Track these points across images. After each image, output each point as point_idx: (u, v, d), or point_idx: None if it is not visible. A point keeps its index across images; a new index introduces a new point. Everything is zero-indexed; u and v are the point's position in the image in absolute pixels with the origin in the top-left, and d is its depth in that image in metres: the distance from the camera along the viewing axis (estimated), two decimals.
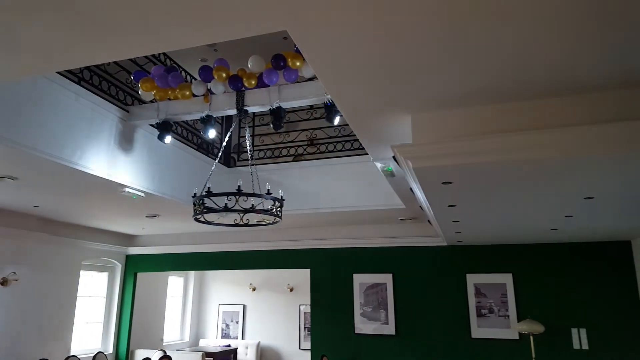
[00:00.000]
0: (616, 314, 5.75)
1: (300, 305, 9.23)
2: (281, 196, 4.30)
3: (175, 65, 5.43)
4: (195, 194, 4.19)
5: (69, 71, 4.16)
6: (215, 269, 8.03)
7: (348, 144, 6.05)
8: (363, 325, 6.64)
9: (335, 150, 6.08)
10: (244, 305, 9.80)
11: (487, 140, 2.67)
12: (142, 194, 4.96)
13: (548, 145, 2.58)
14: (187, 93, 4.45)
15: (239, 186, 4.01)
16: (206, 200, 4.22)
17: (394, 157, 3.47)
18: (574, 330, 5.85)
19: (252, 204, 4.24)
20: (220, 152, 5.43)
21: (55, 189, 4.86)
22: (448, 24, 1.92)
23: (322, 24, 1.94)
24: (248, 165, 6.34)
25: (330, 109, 4.13)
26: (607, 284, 5.87)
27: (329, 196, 5.91)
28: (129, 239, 8.30)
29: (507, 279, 6.23)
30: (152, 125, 4.97)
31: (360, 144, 5.96)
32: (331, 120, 4.15)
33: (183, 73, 5.50)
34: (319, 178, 6.02)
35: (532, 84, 2.44)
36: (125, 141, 4.73)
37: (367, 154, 5.89)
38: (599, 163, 2.72)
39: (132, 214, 6.15)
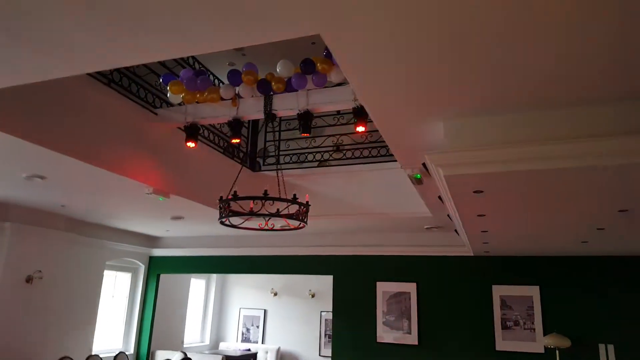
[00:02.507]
0: None
1: (321, 311, 9.17)
2: (307, 201, 4.26)
3: (203, 68, 5.47)
4: (221, 197, 4.19)
5: (99, 73, 4.22)
6: (238, 273, 8.05)
7: (375, 151, 5.98)
8: (385, 334, 6.54)
9: (361, 156, 6.01)
10: (264, 310, 9.78)
11: (522, 149, 2.59)
12: (168, 197, 4.99)
13: (583, 155, 2.49)
14: (215, 96, 4.47)
15: (265, 190, 3.99)
16: (232, 203, 4.21)
17: (423, 164, 3.40)
18: (602, 346, 5.63)
19: (278, 209, 4.21)
20: (246, 155, 5.44)
21: (82, 189, 4.93)
22: (482, 35, 1.87)
23: (356, 31, 1.91)
24: (273, 170, 6.34)
25: (358, 115, 4.07)
26: (637, 299, 5.64)
27: (354, 202, 5.85)
28: (153, 241, 8.39)
29: (534, 291, 6.05)
30: (179, 128, 5.01)
31: (388, 151, 5.92)
32: (360, 126, 4.08)
33: (211, 76, 5.54)
34: (345, 184, 5.97)
35: (569, 91, 2.35)
36: (153, 143, 4.77)
37: (394, 160, 5.85)
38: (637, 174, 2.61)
39: (157, 215, 6.20)
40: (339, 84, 4.22)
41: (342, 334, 6.80)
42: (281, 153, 6.51)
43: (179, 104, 4.80)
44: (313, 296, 9.35)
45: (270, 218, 4.40)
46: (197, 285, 9.82)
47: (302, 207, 4.17)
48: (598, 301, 5.77)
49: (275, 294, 9.72)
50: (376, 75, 2.32)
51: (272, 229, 4.66)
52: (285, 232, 6.13)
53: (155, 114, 4.80)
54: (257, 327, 9.71)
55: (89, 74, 4.08)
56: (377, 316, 6.66)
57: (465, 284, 6.36)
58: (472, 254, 6.30)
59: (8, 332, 5.65)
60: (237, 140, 4.57)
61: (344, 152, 6.20)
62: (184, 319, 9.10)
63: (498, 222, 4.11)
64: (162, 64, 4.98)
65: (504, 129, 2.67)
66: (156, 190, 4.79)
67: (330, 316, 8.97)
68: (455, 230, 5.79)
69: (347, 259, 7.05)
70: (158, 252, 8.31)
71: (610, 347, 5.59)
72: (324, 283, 9.01)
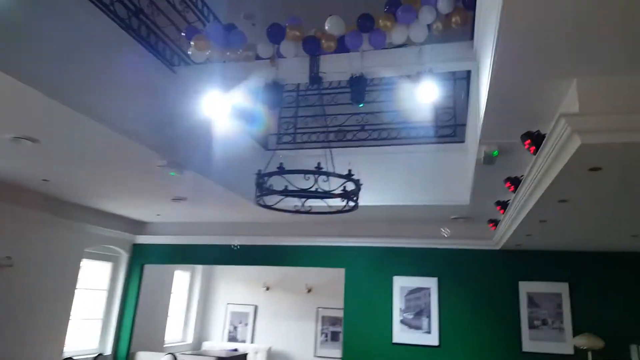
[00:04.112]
0: None
1: (318, 307, 8.56)
2: (358, 180, 3.68)
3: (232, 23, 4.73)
4: (260, 170, 3.54)
5: (116, 15, 3.47)
6: (233, 264, 7.30)
7: (405, 132, 5.48)
8: (403, 334, 6.03)
9: (389, 137, 5.49)
10: (255, 306, 9.06)
11: None
12: (181, 173, 4.26)
13: None
14: (251, 54, 3.80)
15: (318, 163, 3.38)
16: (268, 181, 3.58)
17: (524, 135, 2.89)
18: (633, 347, 5.37)
19: (317, 188, 3.60)
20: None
21: (79, 157, 4.11)
22: None
23: None
24: (288, 149, 5.70)
25: (423, 81, 3.49)
26: None
27: (376, 188, 5.30)
28: (139, 226, 7.50)
29: (562, 288, 5.73)
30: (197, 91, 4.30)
31: (414, 132, 5.43)
32: (426, 94, 3.51)
33: None
34: (366, 167, 5.40)
35: None
36: (169, 107, 4.04)
37: (424, 143, 5.39)
38: None
39: (157, 195, 5.40)
40: (399, 46, 3.66)
41: (354, 334, 6.24)
42: (298, 131, 5.90)
43: (201, 63, 4.08)
44: (309, 291, 8.73)
45: (307, 200, 3.81)
46: (181, 278, 8.97)
47: (356, 185, 3.59)
48: (633, 299, 5.50)
49: (268, 288, 9.02)
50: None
51: (308, 212, 4.04)
52: (292, 220, 5.52)
53: (174, 72, 4.06)
54: (246, 324, 8.98)
55: (106, 14, 3.32)
56: (393, 314, 6.15)
57: (489, 279, 5.97)
58: (498, 248, 5.92)
59: None
60: (277, 107, 3.92)
61: (369, 132, 5.64)
62: (166, 317, 8.25)
63: (571, 212, 3.69)
64: (182, 16, 4.25)
65: None
66: (170, 162, 4.07)
67: (327, 312, 8.43)
68: (492, 220, 5.39)
69: (360, 250, 6.49)
70: (143, 239, 7.44)
71: None
72: (322, 276, 8.44)
